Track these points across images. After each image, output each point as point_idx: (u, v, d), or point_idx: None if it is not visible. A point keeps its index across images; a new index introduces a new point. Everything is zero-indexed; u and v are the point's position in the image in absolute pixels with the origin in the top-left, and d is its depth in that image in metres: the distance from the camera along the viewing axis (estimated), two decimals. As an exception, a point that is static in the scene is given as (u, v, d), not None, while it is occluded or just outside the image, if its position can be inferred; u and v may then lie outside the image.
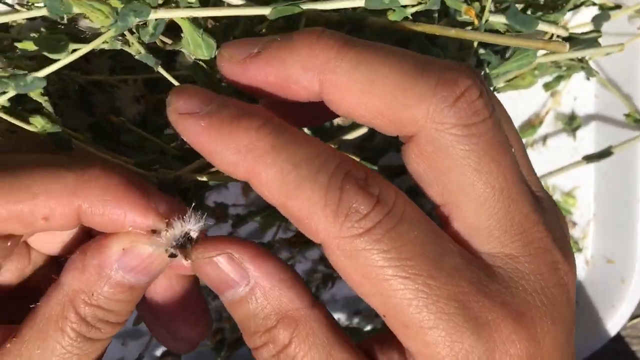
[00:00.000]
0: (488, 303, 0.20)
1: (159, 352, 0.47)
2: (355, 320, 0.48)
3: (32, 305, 0.23)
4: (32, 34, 0.29)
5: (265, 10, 0.24)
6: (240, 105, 0.21)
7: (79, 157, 0.25)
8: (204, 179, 0.29)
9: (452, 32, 0.25)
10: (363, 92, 0.21)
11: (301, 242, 0.35)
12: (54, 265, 0.28)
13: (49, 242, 0.26)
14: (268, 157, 0.20)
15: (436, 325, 0.19)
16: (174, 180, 0.27)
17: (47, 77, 0.25)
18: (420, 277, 0.19)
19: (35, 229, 0.23)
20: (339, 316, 0.48)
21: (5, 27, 0.31)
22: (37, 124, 0.24)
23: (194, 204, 0.23)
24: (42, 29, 0.30)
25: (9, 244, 0.23)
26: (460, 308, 0.20)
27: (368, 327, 0.47)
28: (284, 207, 0.20)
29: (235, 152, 0.20)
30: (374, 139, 0.39)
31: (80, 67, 0.31)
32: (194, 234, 0.23)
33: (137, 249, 0.23)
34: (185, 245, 0.23)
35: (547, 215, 0.23)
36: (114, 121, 0.30)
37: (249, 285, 0.22)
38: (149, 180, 0.26)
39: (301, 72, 0.21)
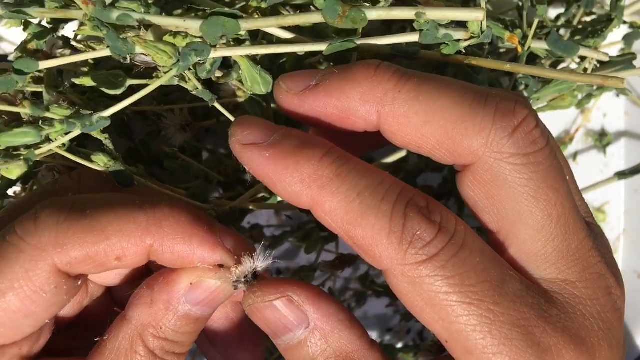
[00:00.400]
0: (549, 329, 0.20)
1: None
2: (387, 338, 0.48)
3: (97, 339, 0.23)
4: (83, 69, 0.29)
5: (321, 47, 0.25)
6: (302, 136, 0.22)
7: (141, 192, 0.25)
8: (260, 208, 0.29)
9: (508, 67, 0.26)
10: (422, 124, 0.21)
11: (343, 264, 0.35)
12: (108, 296, 0.28)
13: (108, 276, 0.27)
14: (332, 185, 0.20)
15: (500, 351, 0.20)
16: (230, 212, 0.27)
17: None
18: (484, 303, 0.20)
19: (107, 269, 0.23)
20: (371, 333, 0.49)
21: (52, 55, 0.32)
22: (100, 162, 0.25)
23: (263, 242, 0.23)
24: (91, 61, 0.30)
25: (79, 282, 0.23)
26: (522, 334, 0.20)
27: (399, 345, 0.47)
28: (347, 234, 0.21)
29: (299, 181, 0.21)
30: (409, 160, 0.40)
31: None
32: (260, 269, 0.23)
33: (205, 283, 0.23)
34: (251, 280, 0.23)
35: (598, 241, 0.23)
36: (167, 151, 0.30)
37: (309, 329, 0.22)
38: (208, 213, 0.26)
39: (360, 103, 0.22)
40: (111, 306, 0.24)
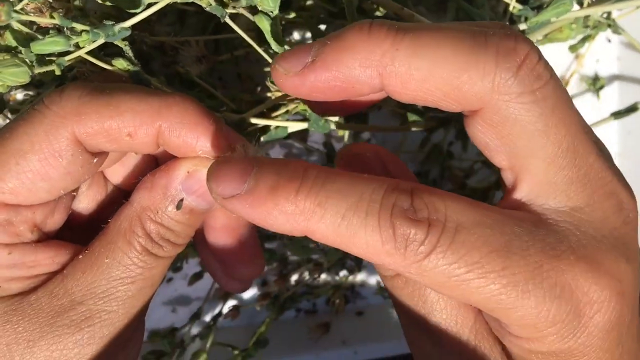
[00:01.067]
0: (564, 265, 0.21)
1: (207, 318, 0.49)
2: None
3: (103, 225, 0.25)
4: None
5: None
6: (275, 168, 0.21)
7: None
8: (266, 122, 0.31)
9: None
10: (424, 79, 0.21)
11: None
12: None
13: (123, 174, 0.29)
14: (315, 216, 0.21)
15: (521, 305, 0.20)
16: (239, 122, 0.29)
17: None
18: (493, 273, 0.20)
19: (119, 146, 0.24)
20: (376, 300, 0.50)
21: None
22: (120, 65, 0.26)
23: (258, 134, 0.24)
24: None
25: (95, 160, 0.25)
26: (538, 283, 0.20)
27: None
28: (347, 251, 0.21)
29: (285, 220, 0.21)
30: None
31: (146, 29, 0.33)
32: None
33: (200, 173, 0.25)
34: None
35: (606, 155, 0.23)
36: (181, 72, 0.32)
37: None
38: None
39: (360, 70, 0.22)
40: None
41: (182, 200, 0.25)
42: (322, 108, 0.26)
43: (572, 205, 0.22)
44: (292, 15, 0.35)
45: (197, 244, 0.32)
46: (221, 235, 0.30)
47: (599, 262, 0.21)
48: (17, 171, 0.23)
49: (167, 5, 0.28)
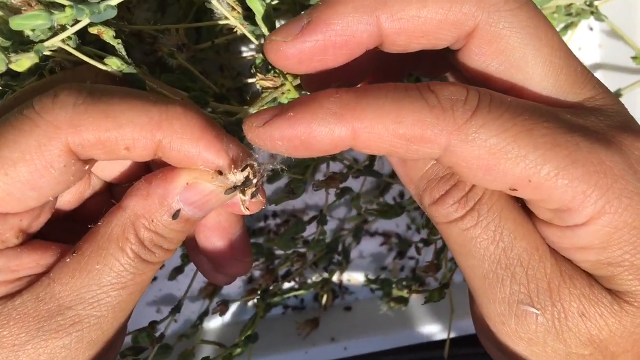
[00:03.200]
0: (599, 125, 0.21)
1: (193, 317, 0.48)
2: (382, 276, 0.49)
3: (91, 225, 0.24)
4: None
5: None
6: (304, 97, 0.22)
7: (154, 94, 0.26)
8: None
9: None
10: (420, 8, 0.22)
11: (334, 181, 0.36)
12: (107, 194, 0.29)
13: (110, 170, 0.28)
14: (360, 104, 0.21)
15: (578, 157, 0.20)
16: (236, 122, 0.28)
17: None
18: (537, 125, 0.20)
19: (115, 157, 0.23)
20: (367, 271, 0.50)
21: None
22: (114, 64, 0.25)
23: (261, 153, 0.23)
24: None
25: (86, 167, 0.23)
26: (586, 133, 0.21)
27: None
28: (398, 136, 0.21)
29: (332, 118, 0.20)
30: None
31: (125, 18, 0.32)
32: (254, 180, 0.24)
33: (200, 185, 0.24)
34: (243, 186, 0.24)
35: None
36: (165, 51, 0.30)
37: None
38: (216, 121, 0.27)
39: (358, 16, 0.22)
40: (110, 206, 0.25)
41: (178, 210, 0.24)
42: (316, 83, 0.26)
43: (582, 98, 0.23)
44: (276, 1, 0.34)
45: (185, 240, 0.31)
46: (212, 233, 0.29)
47: (630, 127, 0.22)
48: (6, 182, 0.22)
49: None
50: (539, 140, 0.20)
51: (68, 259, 0.24)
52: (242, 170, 0.24)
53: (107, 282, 0.23)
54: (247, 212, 0.26)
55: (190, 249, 0.31)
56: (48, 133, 0.22)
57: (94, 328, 0.23)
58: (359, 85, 0.23)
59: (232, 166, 0.24)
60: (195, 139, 0.23)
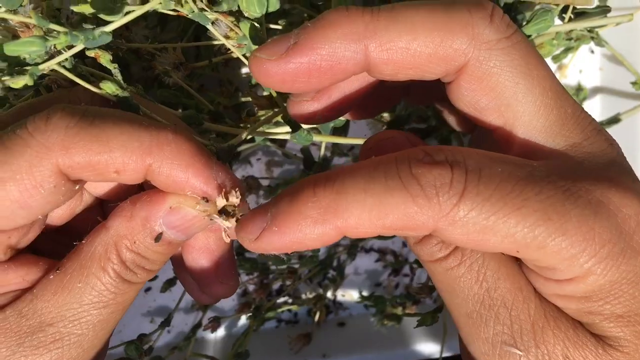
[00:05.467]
0: (588, 184, 0.21)
1: (186, 329, 0.48)
2: (377, 292, 0.49)
3: (76, 243, 0.25)
4: None
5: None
6: (286, 191, 0.22)
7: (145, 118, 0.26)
8: (260, 137, 0.30)
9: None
10: (409, 42, 0.22)
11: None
12: (98, 210, 0.29)
13: (101, 187, 0.28)
14: (340, 205, 0.20)
15: (565, 229, 0.20)
16: (228, 149, 0.28)
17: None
18: (529, 200, 0.20)
19: (105, 180, 0.24)
20: (362, 287, 0.50)
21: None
22: (109, 89, 0.25)
23: (246, 179, 0.23)
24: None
25: (76, 187, 0.24)
26: (573, 202, 0.20)
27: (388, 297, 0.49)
28: (385, 228, 0.21)
29: (314, 228, 0.21)
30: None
31: (123, 35, 0.32)
32: (236, 202, 0.24)
33: (183, 210, 0.24)
34: (228, 212, 0.24)
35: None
36: (160, 69, 0.31)
37: None
38: (208, 148, 0.27)
39: (346, 44, 0.22)
40: (97, 223, 0.25)
41: (161, 233, 0.24)
42: (304, 116, 0.26)
43: (571, 142, 0.22)
44: (272, 25, 0.35)
45: (173, 258, 0.31)
46: (199, 254, 0.29)
47: (617, 180, 0.21)
48: None
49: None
50: (529, 217, 0.20)
51: (52, 276, 0.24)
52: (228, 199, 0.24)
53: (89, 300, 0.24)
54: (228, 240, 0.26)
55: (177, 265, 0.31)
56: (39, 154, 0.22)
57: (75, 346, 0.24)
58: (340, 167, 0.23)
59: (218, 194, 0.24)
60: (184, 165, 0.23)
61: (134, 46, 0.32)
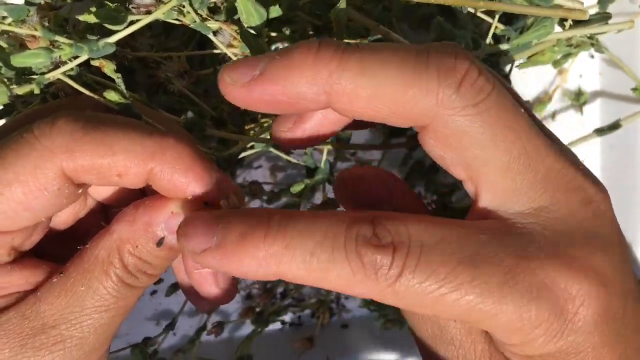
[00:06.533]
0: (534, 265, 0.21)
1: (191, 332, 0.48)
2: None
3: (79, 247, 0.25)
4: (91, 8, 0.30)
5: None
6: (240, 218, 0.22)
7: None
8: (250, 141, 0.31)
9: (481, 4, 0.27)
10: (371, 97, 0.22)
11: (329, 206, 0.37)
12: (101, 215, 0.30)
13: (105, 191, 0.29)
14: (285, 258, 0.21)
15: (501, 311, 0.21)
16: (229, 158, 0.29)
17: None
18: (465, 284, 0.21)
19: (107, 183, 0.24)
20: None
21: (55, 7, 0.33)
22: (112, 97, 0.26)
23: (245, 186, 0.24)
24: (92, 8, 0.31)
25: (80, 191, 0.25)
26: (512, 286, 0.21)
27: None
28: (325, 287, 0.22)
29: (257, 267, 0.21)
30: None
31: (129, 44, 0.33)
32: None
33: (184, 215, 0.25)
34: None
35: (569, 156, 0.24)
36: (163, 77, 0.31)
37: None
38: (209, 156, 0.28)
39: (307, 87, 0.22)
40: (100, 228, 0.26)
41: (163, 237, 0.25)
42: (284, 143, 0.27)
43: (536, 206, 0.22)
44: (274, 33, 0.35)
45: (173, 264, 0.32)
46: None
47: (572, 257, 0.21)
48: (0, 201, 0.23)
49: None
50: (460, 303, 0.21)
51: (55, 279, 0.25)
52: (228, 203, 0.25)
53: (91, 304, 0.24)
54: None
55: (177, 271, 0.32)
56: (44, 157, 0.23)
57: (76, 348, 0.24)
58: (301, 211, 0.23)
59: (219, 198, 0.25)
60: (184, 169, 0.24)
61: (139, 55, 0.33)
